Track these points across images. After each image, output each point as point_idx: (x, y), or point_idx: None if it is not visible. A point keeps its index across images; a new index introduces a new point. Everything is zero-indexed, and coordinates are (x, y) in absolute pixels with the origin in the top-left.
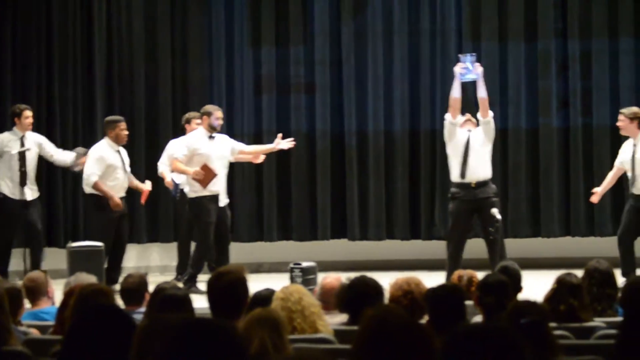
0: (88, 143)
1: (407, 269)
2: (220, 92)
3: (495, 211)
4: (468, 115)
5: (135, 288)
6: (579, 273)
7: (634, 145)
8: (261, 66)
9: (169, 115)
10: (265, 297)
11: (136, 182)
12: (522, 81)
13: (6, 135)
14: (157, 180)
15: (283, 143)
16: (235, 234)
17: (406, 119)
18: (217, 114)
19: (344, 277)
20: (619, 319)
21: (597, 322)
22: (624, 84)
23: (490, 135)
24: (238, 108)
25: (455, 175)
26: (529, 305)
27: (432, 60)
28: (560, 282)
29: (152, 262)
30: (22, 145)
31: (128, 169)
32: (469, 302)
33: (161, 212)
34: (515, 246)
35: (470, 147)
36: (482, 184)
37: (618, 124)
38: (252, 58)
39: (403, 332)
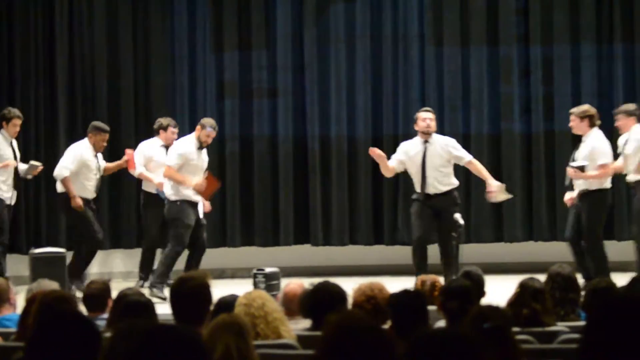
0: (50, 152)
1: (370, 274)
2: (183, 97)
3: (458, 216)
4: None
5: (98, 294)
6: (542, 277)
7: (582, 142)
8: (224, 71)
9: (132, 120)
10: (229, 302)
11: (114, 163)
12: (484, 86)
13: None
14: (120, 187)
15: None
16: None
17: (369, 124)
18: (210, 133)
19: (307, 282)
20: (582, 323)
21: (560, 326)
22: (586, 90)
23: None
24: (201, 113)
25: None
26: (492, 310)
27: (394, 65)
28: (523, 286)
29: (115, 269)
30: (13, 150)
31: (100, 173)
32: (432, 307)
33: (124, 219)
34: (478, 251)
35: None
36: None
37: (570, 124)
38: (214, 63)
39: (366, 338)
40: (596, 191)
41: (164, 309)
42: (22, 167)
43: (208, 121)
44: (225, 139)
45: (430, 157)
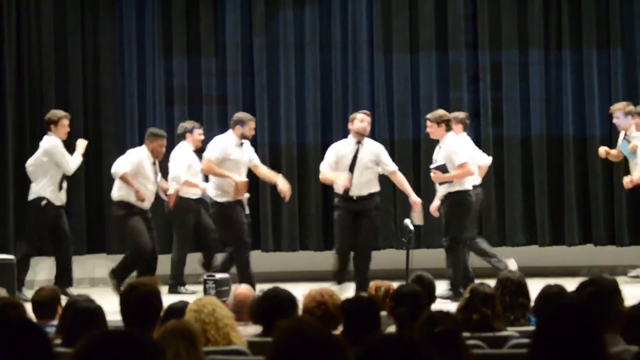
0: None
1: (321, 280)
2: (132, 102)
3: (408, 222)
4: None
5: (47, 301)
6: (492, 283)
7: (439, 147)
8: (173, 77)
9: (80, 126)
10: (179, 309)
11: (164, 185)
12: (433, 92)
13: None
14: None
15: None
16: None
17: (318, 130)
18: (252, 125)
19: (258, 288)
20: (532, 328)
21: (510, 331)
22: (534, 95)
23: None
24: (150, 119)
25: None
26: (442, 315)
27: (344, 71)
28: (473, 291)
29: (97, 274)
30: None
31: (157, 185)
32: (383, 313)
33: (103, 224)
34: (430, 256)
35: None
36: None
37: (427, 130)
38: (163, 69)
39: (317, 343)
40: (456, 193)
41: (112, 316)
42: None
43: (242, 115)
44: (174, 145)
45: (360, 158)
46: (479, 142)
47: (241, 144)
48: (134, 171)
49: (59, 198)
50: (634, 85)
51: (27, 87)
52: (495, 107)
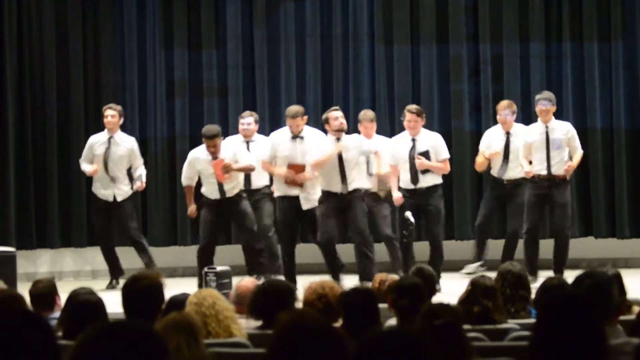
0: None
1: (321, 272)
2: (133, 95)
3: (409, 214)
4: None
5: (46, 292)
6: (493, 275)
7: (416, 140)
8: (174, 70)
9: (81, 119)
10: (181, 301)
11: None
12: (434, 85)
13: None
14: (69, 187)
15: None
16: (149, 239)
17: (319, 122)
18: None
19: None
20: (532, 320)
21: (511, 323)
22: (535, 88)
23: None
24: (151, 112)
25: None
26: (442, 307)
27: (344, 64)
28: (473, 284)
29: (65, 268)
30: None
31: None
32: (383, 305)
33: (74, 218)
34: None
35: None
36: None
37: (407, 123)
38: (164, 61)
39: (317, 336)
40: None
41: (114, 308)
42: None
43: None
44: (175, 138)
45: (345, 155)
46: (479, 135)
47: (294, 138)
48: (189, 174)
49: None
50: (635, 77)
51: (28, 80)
52: (496, 99)
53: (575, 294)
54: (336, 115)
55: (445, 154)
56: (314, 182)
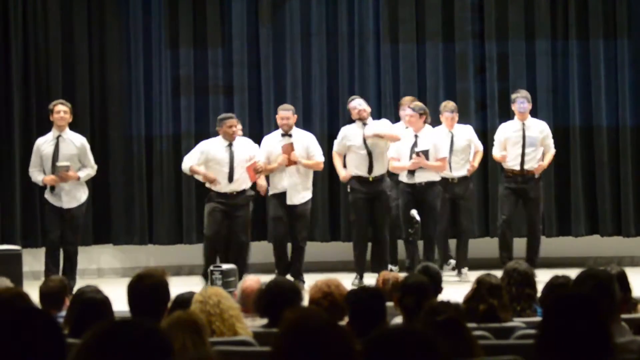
0: (4, 147)
1: (327, 270)
2: (139, 93)
3: (414, 212)
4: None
5: (56, 291)
6: (499, 273)
7: (418, 137)
8: (179, 68)
9: (87, 117)
10: (187, 299)
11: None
12: (440, 83)
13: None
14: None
15: None
16: (154, 237)
17: (325, 121)
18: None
19: (264, 279)
20: (538, 318)
21: (517, 322)
22: (541, 85)
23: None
24: (156, 110)
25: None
26: (444, 304)
27: (350, 62)
28: (479, 282)
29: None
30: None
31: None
32: (389, 303)
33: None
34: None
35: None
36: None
37: (408, 120)
38: (170, 60)
39: (323, 334)
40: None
41: (120, 306)
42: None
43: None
44: (180, 136)
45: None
46: (485, 132)
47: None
48: (200, 161)
49: None
50: None
51: (33, 79)
52: (502, 97)
53: (582, 292)
54: (354, 106)
55: (444, 152)
56: (305, 179)
